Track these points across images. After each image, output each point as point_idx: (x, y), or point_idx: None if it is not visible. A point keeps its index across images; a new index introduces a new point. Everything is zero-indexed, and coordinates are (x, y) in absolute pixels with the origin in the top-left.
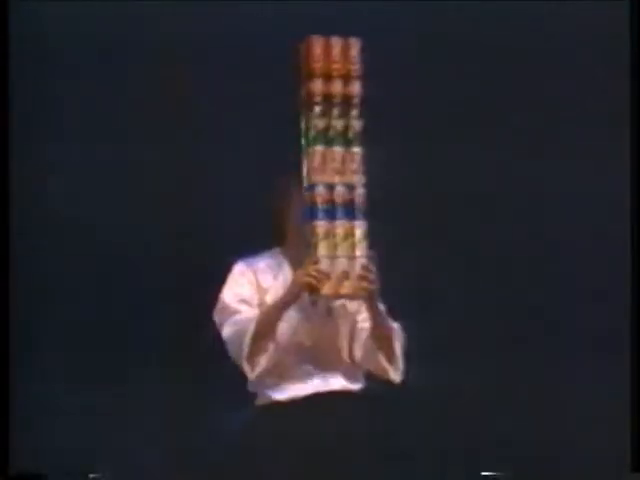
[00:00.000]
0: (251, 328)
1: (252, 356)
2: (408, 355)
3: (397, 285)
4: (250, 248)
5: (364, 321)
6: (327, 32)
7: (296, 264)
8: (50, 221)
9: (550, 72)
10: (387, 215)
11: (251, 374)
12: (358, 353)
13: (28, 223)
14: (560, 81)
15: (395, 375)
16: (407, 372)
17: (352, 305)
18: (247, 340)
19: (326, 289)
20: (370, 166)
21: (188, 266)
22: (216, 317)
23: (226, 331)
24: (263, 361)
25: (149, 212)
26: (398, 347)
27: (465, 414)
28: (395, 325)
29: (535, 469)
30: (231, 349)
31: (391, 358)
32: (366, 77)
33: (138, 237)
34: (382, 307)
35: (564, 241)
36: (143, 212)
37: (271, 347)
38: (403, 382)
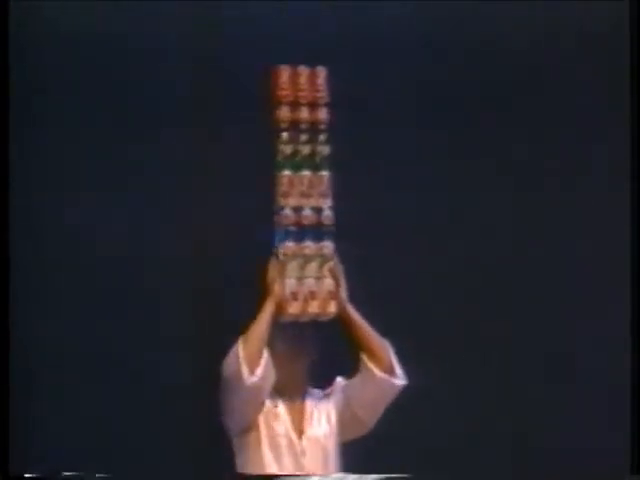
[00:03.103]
0: (241, 340)
1: (249, 356)
2: None
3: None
4: None
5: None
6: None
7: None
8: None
9: (549, 72)
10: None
11: (250, 377)
12: (361, 413)
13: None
14: (559, 82)
15: (398, 381)
16: None
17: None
18: (240, 343)
19: (293, 309)
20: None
21: None
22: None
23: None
24: (260, 369)
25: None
26: (390, 353)
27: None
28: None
29: (535, 472)
30: (227, 364)
31: (385, 367)
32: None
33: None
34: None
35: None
36: None
37: (266, 354)
38: None
